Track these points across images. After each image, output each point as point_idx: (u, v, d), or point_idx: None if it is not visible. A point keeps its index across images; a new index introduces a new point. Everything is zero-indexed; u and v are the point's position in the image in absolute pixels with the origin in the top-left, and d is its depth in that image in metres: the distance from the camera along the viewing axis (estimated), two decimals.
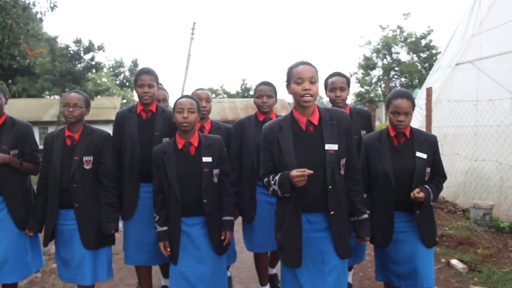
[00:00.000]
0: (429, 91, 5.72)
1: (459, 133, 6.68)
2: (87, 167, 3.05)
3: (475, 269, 4.33)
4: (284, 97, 34.15)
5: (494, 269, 4.26)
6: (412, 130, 2.81)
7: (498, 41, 6.43)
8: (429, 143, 2.78)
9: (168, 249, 2.82)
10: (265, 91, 3.35)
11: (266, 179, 2.47)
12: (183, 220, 2.80)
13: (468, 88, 6.91)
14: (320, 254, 2.38)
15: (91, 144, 3.06)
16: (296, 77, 2.31)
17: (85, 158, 3.03)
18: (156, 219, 2.86)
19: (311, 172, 2.20)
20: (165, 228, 2.83)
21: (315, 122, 2.39)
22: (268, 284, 3.69)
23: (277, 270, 3.85)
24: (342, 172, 2.41)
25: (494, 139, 5.90)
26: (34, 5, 11.39)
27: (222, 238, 2.85)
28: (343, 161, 2.40)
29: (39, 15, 11.32)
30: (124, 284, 4.15)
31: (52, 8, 11.19)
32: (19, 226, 3.12)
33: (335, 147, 2.35)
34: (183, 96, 2.90)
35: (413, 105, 2.70)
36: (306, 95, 2.29)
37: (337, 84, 3.36)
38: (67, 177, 2.98)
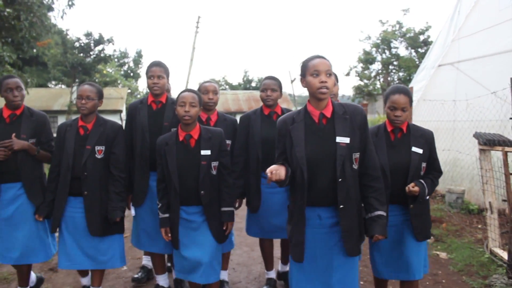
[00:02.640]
0: (410, 90, 6.59)
1: (439, 127, 7.54)
2: (99, 156, 3.12)
3: (440, 240, 5.23)
4: (285, 89, 34.84)
5: (455, 240, 5.16)
6: (409, 125, 2.84)
7: (473, 46, 7.29)
8: (426, 138, 2.81)
9: (169, 235, 2.98)
10: (269, 85, 3.44)
11: None
12: (183, 209, 2.93)
13: (449, 86, 7.75)
14: (329, 249, 2.36)
15: (104, 134, 3.14)
16: (313, 69, 2.29)
17: (97, 148, 3.11)
18: (159, 206, 3.00)
19: (274, 179, 2.22)
20: (166, 215, 2.97)
21: (328, 115, 2.36)
22: (274, 270, 3.79)
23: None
24: (355, 166, 2.35)
25: (468, 133, 6.74)
26: (53, 2, 12.21)
27: (224, 228, 3.02)
28: (356, 155, 2.34)
29: (60, 13, 12.14)
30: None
31: (70, 6, 12.03)
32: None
33: (346, 140, 2.31)
34: (185, 90, 2.96)
35: (411, 101, 2.73)
36: (323, 88, 2.27)
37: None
38: (79, 165, 3.06)
